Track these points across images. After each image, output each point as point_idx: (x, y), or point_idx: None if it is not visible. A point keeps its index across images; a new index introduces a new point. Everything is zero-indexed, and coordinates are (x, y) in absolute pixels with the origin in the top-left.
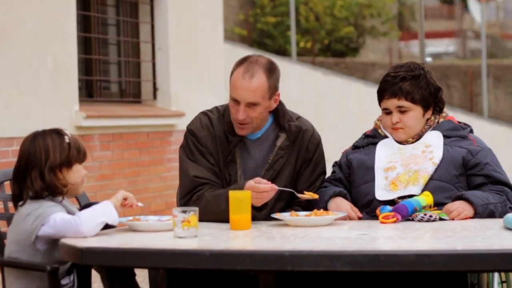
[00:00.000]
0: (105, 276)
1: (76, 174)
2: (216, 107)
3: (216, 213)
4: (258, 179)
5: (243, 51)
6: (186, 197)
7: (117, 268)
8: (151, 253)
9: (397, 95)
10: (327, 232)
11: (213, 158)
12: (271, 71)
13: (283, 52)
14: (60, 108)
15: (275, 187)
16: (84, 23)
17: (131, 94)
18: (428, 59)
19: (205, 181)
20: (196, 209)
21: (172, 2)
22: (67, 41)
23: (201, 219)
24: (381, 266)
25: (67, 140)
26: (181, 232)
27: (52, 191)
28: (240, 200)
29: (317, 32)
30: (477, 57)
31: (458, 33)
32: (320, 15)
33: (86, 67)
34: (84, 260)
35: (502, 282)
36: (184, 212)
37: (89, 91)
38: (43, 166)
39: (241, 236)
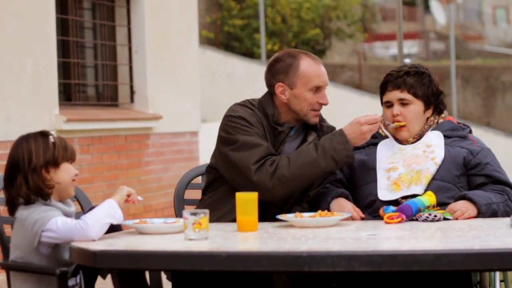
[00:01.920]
0: (117, 276)
1: (65, 173)
2: (247, 100)
3: (306, 163)
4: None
5: (212, 54)
6: (260, 162)
7: (128, 269)
8: (166, 255)
9: (400, 87)
10: (336, 233)
11: (268, 143)
12: None
13: (250, 55)
14: (40, 111)
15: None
16: (62, 27)
17: (108, 97)
18: (407, 60)
19: (276, 154)
20: (207, 211)
21: (148, 6)
22: (47, 45)
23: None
24: (399, 266)
25: (51, 140)
26: (192, 234)
27: (40, 193)
28: (247, 201)
29: (285, 34)
30: (441, 59)
31: (421, 35)
32: (287, 17)
33: (64, 70)
34: (98, 263)
35: (500, 281)
36: (195, 214)
37: (67, 94)
38: (27, 170)
39: (251, 238)
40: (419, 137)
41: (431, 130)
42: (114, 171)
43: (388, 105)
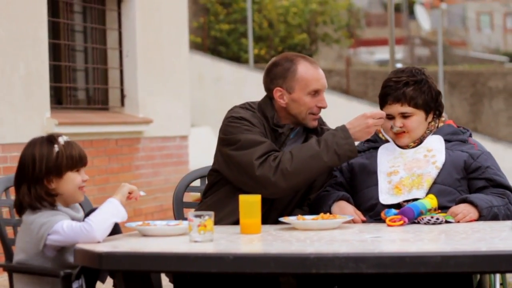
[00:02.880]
0: (122, 279)
1: (69, 183)
2: (247, 103)
3: (309, 157)
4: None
5: (200, 58)
6: (263, 157)
7: (134, 271)
8: (172, 257)
9: (400, 100)
10: (341, 235)
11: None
12: None
13: (237, 59)
14: (32, 115)
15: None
16: (53, 30)
17: (99, 101)
18: (399, 65)
19: (279, 151)
20: (212, 213)
21: (139, 9)
22: (39, 48)
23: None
24: (406, 268)
25: (56, 148)
26: (197, 236)
27: (44, 201)
28: (251, 204)
29: (271, 39)
30: (426, 64)
31: (406, 40)
32: (274, 22)
33: (55, 74)
34: (103, 265)
35: (499, 284)
36: (200, 216)
37: (58, 98)
38: (30, 178)
39: (256, 240)
40: (419, 141)
41: (432, 134)
42: (105, 175)
43: (389, 117)
